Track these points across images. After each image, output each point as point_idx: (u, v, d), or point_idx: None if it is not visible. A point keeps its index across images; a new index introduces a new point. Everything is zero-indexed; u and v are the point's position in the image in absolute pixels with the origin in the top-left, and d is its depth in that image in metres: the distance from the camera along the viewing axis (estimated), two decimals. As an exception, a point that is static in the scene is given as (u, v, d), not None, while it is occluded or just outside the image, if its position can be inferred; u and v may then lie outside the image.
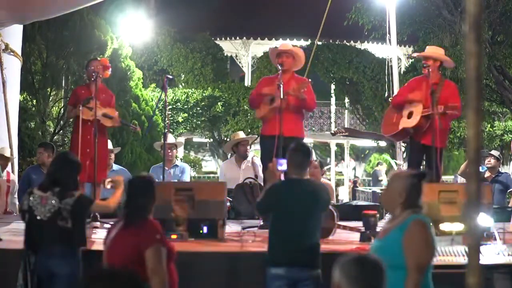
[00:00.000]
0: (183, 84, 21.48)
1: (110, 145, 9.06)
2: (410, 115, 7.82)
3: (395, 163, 18.31)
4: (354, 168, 28.33)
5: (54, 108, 14.64)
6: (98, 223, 7.33)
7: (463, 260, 5.42)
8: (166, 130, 8.26)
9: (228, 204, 7.53)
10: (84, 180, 7.27)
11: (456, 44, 15.20)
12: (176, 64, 21.09)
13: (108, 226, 7.22)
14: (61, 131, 14.49)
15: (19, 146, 10.72)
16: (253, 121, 18.66)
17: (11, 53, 9.98)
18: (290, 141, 6.72)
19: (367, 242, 6.03)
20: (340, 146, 25.87)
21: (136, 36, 18.12)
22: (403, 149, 16.69)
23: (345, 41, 22.09)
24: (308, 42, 20.71)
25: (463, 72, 13.24)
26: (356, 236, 6.40)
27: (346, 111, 23.11)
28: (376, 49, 21.27)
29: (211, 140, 21.80)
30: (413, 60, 17.60)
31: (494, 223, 6.17)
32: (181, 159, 18.90)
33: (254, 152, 10.31)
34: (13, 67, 10.04)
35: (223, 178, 9.02)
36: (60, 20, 12.83)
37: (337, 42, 21.53)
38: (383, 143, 21.87)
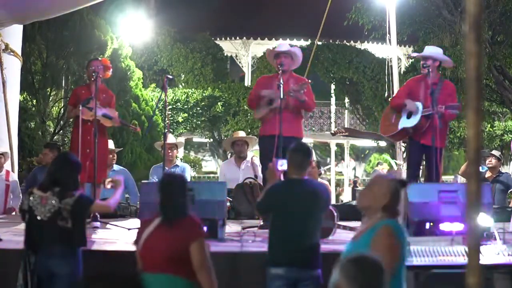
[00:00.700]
0: (183, 84, 21.48)
1: (111, 145, 9.07)
2: (409, 115, 7.82)
3: (395, 163, 18.31)
4: (354, 168, 28.34)
5: (54, 108, 14.64)
6: (98, 223, 7.33)
7: (463, 260, 5.42)
8: (166, 130, 8.26)
9: (228, 204, 7.53)
10: (84, 180, 7.28)
11: (456, 44, 15.20)
12: (176, 64, 21.09)
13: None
14: (61, 131, 14.49)
15: (19, 146, 10.72)
16: (253, 121, 18.65)
17: (11, 53, 9.98)
18: (290, 141, 6.72)
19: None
20: (340, 146, 25.87)
21: (136, 36, 18.12)
22: (403, 149, 16.69)
23: (345, 41, 22.09)
24: (308, 42, 20.71)
25: (463, 72, 13.25)
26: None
27: (346, 111, 23.12)
28: (376, 49, 21.27)
29: (211, 140, 21.81)
30: (413, 60, 17.59)
31: (494, 223, 6.17)
32: (181, 159, 18.90)
33: (254, 153, 10.30)
34: (13, 67, 10.04)
35: (223, 178, 9.02)
36: (60, 20, 12.84)
37: (337, 42, 21.53)
38: (383, 143, 21.87)
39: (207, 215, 6.35)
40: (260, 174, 8.47)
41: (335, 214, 6.56)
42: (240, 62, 24.90)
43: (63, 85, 14.86)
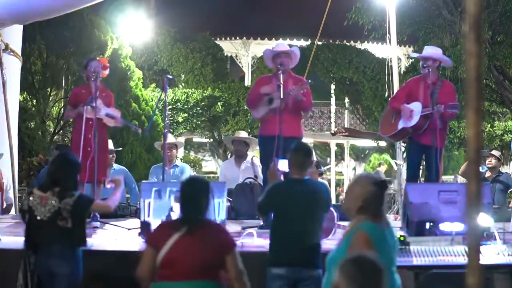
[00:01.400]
0: (183, 84, 21.49)
1: (111, 145, 9.07)
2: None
3: (395, 163, 18.30)
4: (354, 168, 28.31)
5: (54, 108, 14.66)
6: (98, 223, 7.33)
7: (463, 260, 5.42)
8: (166, 130, 8.26)
9: (228, 204, 7.53)
10: (84, 180, 7.28)
11: (456, 44, 15.19)
12: (176, 64, 21.09)
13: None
14: (61, 131, 14.50)
15: (19, 146, 10.72)
16: (253, 121, 18.64)
17: (11, 53, 9.98)
18: (289, 141, 6.72)
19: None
20: (340, 146, 25.87)
21: (136, 36, 18.13)
22: (403, 149, 16.68)
23: (345, 41, 22.09)
24: (308, 42, 20.71)
25: (463, 72, 13.25)
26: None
27: (346, 111, 23.11)
28: (376, 49, 21.26)
29: (211, 140, 21.81)
30: (413, 60, 17.59)
31: (494, 223, 6.17)
32: (181, 159, 18.90)
33: (254, 153, 10.29)
34: (13, 67, 10.04)
35: (223, 178, 9.02)
36: (60, 20, 12.84)
37: (337, 42, 21.53)
38: (383, 143, 21.86)
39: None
40: (260, 174, 8.47)
41: (335, 214, 6.56)
42: (240, 62, 24.90)
43: (63, 85, 14.88)
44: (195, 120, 20.02)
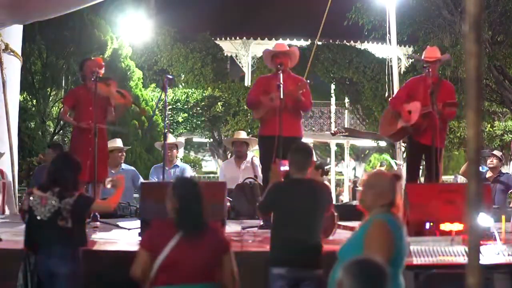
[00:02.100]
0: (183, 84, 21.48)
1: (120, 143, 9.05)
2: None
3: (395, 163, 18.30)
4: (354, 168, 28.31)
5: (54, 108, 14.67)
6: (98, 223, 7.33)
7: (463, 260, 5.42)
8: (166, 130, 8.26)
9: (228, 204, 7.52)
10: (84, 180, 7.27)
11: (456, 44, 15.20)
12: (176, 64, 21.09)
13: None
14: (61, 131, 14.50)
15: (19, 146, 10.72)
16: (253, 121, 18.65)
17: (11, 53, 9.98)
18: (289, 141, 6.72)
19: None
20: (340, 146, 25.86)
21: (136, 36, 18.13)
22: (403, 149, 16.69)
23: (345, 41, 22.09)
24: (308, 42, 20.71)
25: (463, 72, 13.25)
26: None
27: (346, 111, 23.11)
28: (376, 49, 21.27)
29: (211, 140, 21.80)
30: (413, 60, 17.61)
31: (494, 223, 6.17)
32: (181, 159, 18.90)
33: (254, 153, 10.28)
34: (13, 67, 10.04)
35: (223, 178, 9.02)
36: (60, 20, 12.84)
37: (337, 42, 21.53)
38: (383, 143, 21.88)
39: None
40: (260, 174, 8.47)
41: (335, 214, 6.56)
42: (240, 62, 24.90)
43: (63, 85, 14.89)
44: (195, 120, 20.02)
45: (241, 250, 5.86)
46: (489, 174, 9.35)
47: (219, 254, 4.32)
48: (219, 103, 19.98)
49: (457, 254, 5.59)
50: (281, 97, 7.29)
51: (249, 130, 18.47)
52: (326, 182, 10.09)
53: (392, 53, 17.12)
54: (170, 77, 8.70)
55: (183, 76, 21.47)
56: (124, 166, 9.09)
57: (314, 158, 6.39)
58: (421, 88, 7.81)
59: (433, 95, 7.55)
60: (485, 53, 14.48)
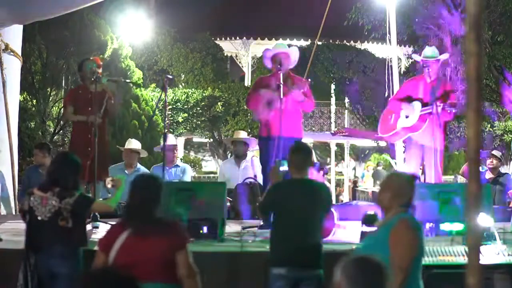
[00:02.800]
0: (183, 84, 21.48)
1: (138, 145, 9.00)
2: (408, 115, 7.83)
3: (395, 163, 18.29)
4: (354, 168, 28.30)
5: (54, 108, 14.65)
6: (98, 223, 7.33)
7: (463, 260, 5.42)
8: (166, 130, 8.26)
9: (228, 204, 7.53)
10: (84, 180, 7.27)
11: (456, 44, 15.20)
12: (176, 64, 21.09)
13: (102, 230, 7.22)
14: (61, 131, 14.50)
15: (19, 146, 10.71)
16: (253, 121, 18.65)
17: (11, 53, 9.97)
18: (290, 141, 6.73)
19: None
20: (340, 146, 25.85)
21: (136, 36, 18.12)
22: (403, 149, 16.68)
23: (345, 41, 22.09)
24: (308, 42, 20.71)
25: (463, 72, 13.25)
26: (356, 236, 6.40)
27: (346, 111, 23.11)
28: (376, 49, 21.26)
29: (211, 140, 21.80)
30: (413, 60, 17.60)
31: (494, 223, 6.17)
32: (181, 159, 18.90)
33: (254, 153, 10.28)
34: (13, 67, 10.03)
35: (223, 178, 9.02)
36: (60, 20, 12.84)
37: (337, 42, 21.53)
38: (383, 143, 21.86)
39: (207, 215, 6.36)
40: (260, 174, 8.47)
41: (335, 214, 6.56)
42: (240, 62, 24.90)
43: (63, 85, 14.88)
44: (195, 120, 20.01)
45: (241, 250, 5.87)
46: (488, 175, 9.35)
47: (172, 252, 4.15)
48: (219, 103, 19.97)
49: (457, 254, 5.59)
50: (281, 97, 7.29)
51: (249, 130, 18.46)
52: (326, 182, 10.11)
53: (392, 53, 17.11)
54: (170, 77, 8.70)
55: (183, 76, 21.47)
56: (139, 167, 8.99)
57: (314, 158, 6.40)
58: (421, 87, 7.81)
59: (432, 95, 7.55)
60: (485, 53, 14.48)
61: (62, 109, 14.15)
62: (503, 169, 11.20)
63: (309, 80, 8.02)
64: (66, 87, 14.67)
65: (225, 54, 22.99)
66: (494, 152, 9.68)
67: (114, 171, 8.27)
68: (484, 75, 14.51)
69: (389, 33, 16.12)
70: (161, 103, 13.40)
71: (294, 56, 7.79)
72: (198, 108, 19.93)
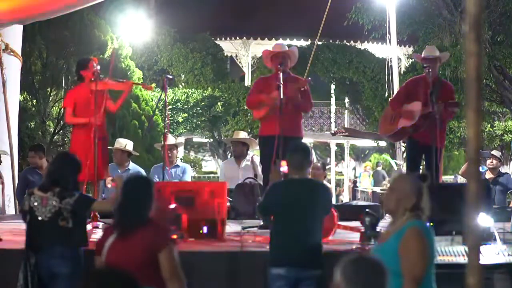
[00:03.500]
0: (183, 84, 21.48)
1: (125, 143, 8.96)
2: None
3: (395, 163, 18.30)
4: (354, 168, 28.31)
5: (54, 108, 14.65)
6: (98, 223, 7.33)
7: (463, 260, 5.42)
8: (166, 130, 8.26)
9: (228, 204, 7.52)
10: (84, 180, 7.27)
11: (456, 44, 15.20)
12: (176, 64, 21.09)
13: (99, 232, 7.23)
14: (61, 131, 14.49)
15: (19, 146, 10.72)
16: (253, 121, 18.65)
17: (11, 53, 9.98)
18: (290, 141, 6.73)
19: (367, 242, 6.03)
20: (340, 146, 25.86)
21: (136, 36, 18.12)
22: (403, 149, 16.69)
23: (345, 41, 22.08)
24: (308, 42, 20.71)
25: (463, 72, 13.25)
26: (356, 236, 6.40)
27: (346, 111, 23.11)
28: (376, 49, 21.27)
29: (211, 140, 21.80)
30: (413, 60, 17.61)
31: (494, 223, 6.17)
32: (181, 159, 18.90)
33: (254, 152, 10.28)
34: (13, 67, 10.04)
35: (223, 178, 9.02)
36: (60, 20, 12.84)
37: (337, 42, 21.53)
38: (383, 143, 21.87)
39: (207, 215, 6.36)
40: (260, 173, 8.47)
41: (335, 214, 6.56)
42: (240, 62, 24.90)
43: (63, 85, 14.87)
44: (195, 120, 20.01)
45: (241, 250, 5.87)
46: (488, 175, 9.35)
47: (154, 253, 4.08)
48: (219, 103, 19.97)
49: (457, 254, 5.59)
50: (281, 97, 7.30)
51: (249, 130, 18.46)
52: (326, 182, 10.11)
53: (392, 53, 17.13)
54: (170, 77, 8.70)
55: (183, 76, 21.47)
56: (131, 166, 9.00)
57: (314, 158, 6.41)
58: (421, 88, 7.81)
59: (433, 95, 7.54)
60: (485, 53, 14.48)
61: (62, 109, 14.17)
62: (503, 169, 11.21)
63: (309, 79, 8.02)
64: (66, 87, 14.66)
65: (225, 54, 22.99)
66: (494, 152, 9.69)
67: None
68: (484, 75, 14.51)
69: (389, 33, 16.15)
70: (161, 103, 13.40)
71: (293, 55, 7.80)
72: (198, 108, 19.93)
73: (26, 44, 11.72)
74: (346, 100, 22.53)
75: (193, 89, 20.23)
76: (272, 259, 5.19)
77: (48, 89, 14.39)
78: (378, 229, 6.13)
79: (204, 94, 20.01)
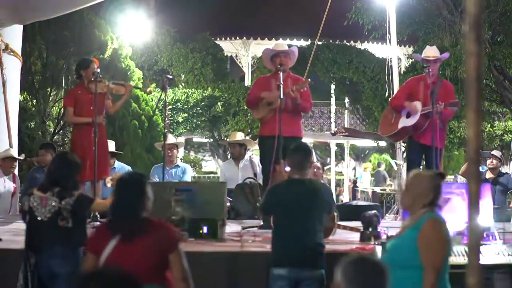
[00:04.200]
0: (183, 84, 21.47)
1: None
2: (408, 115, 7.83)
3: (395, 163, 18.29)
4: (354, 168, 28.30)
5: (54, 108, 14.64)
6: (98, 223, 7.32)
7: (463, 260, 5.42)
8: (166, 130, 8.27)
9: (228, 204, 7.53)
10: (84, 179, 7.28)
11: (456, 44, 15.20)
12: (176, 64, 21.08)
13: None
14: (61, 131, 14.49)
15: (19, 146, 10.71)
16: (253, 121, 18.64)
17: (11, 53, 9.98)
18: (290, 141, 6.73)
19: (367, 242, 6.04)
20: (340, 146, 25.85)
21: (136, 36, 18.11)
22: (403, 149, 16.68)
23: (345, 41, 22.08)
24: (308, 42, 20.70)
25: (463, 72, 13.24)
26: (356, 236, 6.40)
27: (346, 111, 23.11)
28: (376, 49, 21.26)
29: (211, 140, 21.79)
30: (413, 60, 17.61)
31: (494, 223, 6.18)
32: (181, 159, 18.90)
33: (253, 151, 10.28)
34: (13, 67, 10.04)
35: (223, 178, 9.04)
36: (60, 20, 12.83)
37: (337, 42, 21.52)
38: (383, 143, 21.86)
39: (207, 215, 6.36)
40: (259, 172, 8.48)
41: (335, 214, 6.56)
42: (240, 62, 24.89)
43: (63, 85, 14.86)
44: (195, 120, 20.00)
45: (241, 250, 5.87)
46: (489, 175, 9.35)
47: (165, 254, 4.03)
48: (219, 103, 19.96)
49: (457, 254, 5.59)
50: (281, 97, 7.30)
51: (249, 130, 18.47)
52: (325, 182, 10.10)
53: (392, 53, 17.11)
54: (170, 77, 8.71)
55: (183, 76, 21.46)
56: (117, 165, 8.99)
57: (314, 158, 6.41)
58: (421, 88, 7.82)
59: (433, 95, 7.55)
60: (485, 53, 14.48)
61: (62, 109, 14.16)
62: (503, 169, 11.21)
63: (309, 80, 8.02)
64: (66, 87, 14.65)
65: (225, 54, 22.97)
66: (494, 152, 9.69)
67: None
68: (484, 75, 14.52)
69: (389, 33, 16.13)
70: (161, 103, 13.41)
71: (293, 55, 7.80)
72: (198, 108, 19.92)
73: (26, 44, 11.72)
74: (346, 100, 22.52)
75: (193, 89, 20.22)
76: (273, 259, 5.20)
77: (48, 89, 14.38)
78: (378, 229, 6.14)
79: (204, 94, 20.00)
